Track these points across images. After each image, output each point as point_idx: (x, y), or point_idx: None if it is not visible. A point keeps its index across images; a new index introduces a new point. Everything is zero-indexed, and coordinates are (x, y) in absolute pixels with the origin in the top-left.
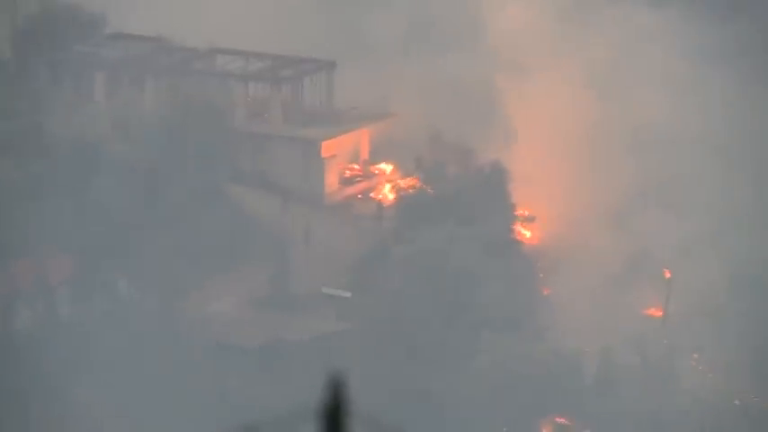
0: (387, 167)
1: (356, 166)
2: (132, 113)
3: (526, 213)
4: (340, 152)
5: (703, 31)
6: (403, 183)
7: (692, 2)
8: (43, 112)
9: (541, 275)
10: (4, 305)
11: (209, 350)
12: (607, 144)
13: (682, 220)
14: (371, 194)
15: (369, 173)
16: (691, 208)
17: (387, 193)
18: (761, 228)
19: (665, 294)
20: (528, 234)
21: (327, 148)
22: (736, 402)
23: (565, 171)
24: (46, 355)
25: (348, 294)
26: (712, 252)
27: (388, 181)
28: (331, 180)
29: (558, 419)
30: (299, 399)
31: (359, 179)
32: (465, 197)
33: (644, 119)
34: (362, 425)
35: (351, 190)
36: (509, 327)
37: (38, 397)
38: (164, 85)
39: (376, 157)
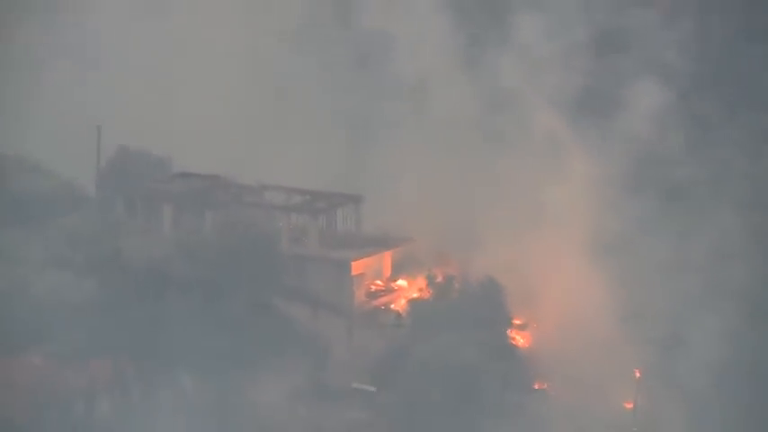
0: (404, 283)
1: (380, 282)
2: (194, 239)
3: (519, 322)
4: (366, 271)
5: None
6: (418, 296)
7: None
8: (121, 238)
9: (533, 372)
10: (87, 397)
11: None
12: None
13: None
14: (392, 305)
15: (390, 288)
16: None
17: (404, 305)
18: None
19: (636, 390)
20: (521, 340)
21: (356, 267)
22: None
23: (556, 286)
24: (129, 423)
25: (373, 389)
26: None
27: (406, 295)
28: (359, 294)
29: None
30: None
31: (382, 293)
32: (469, 308)
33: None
34: None
35: (375, 302)
36: (506, 416)
37: None
38: (220, 215)
39: (396, 274)
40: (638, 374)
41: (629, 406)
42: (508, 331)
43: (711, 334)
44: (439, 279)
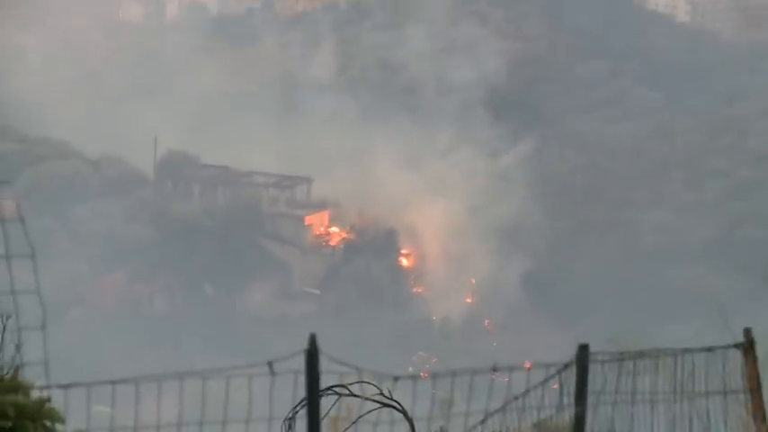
0: (336, 229)
1: (322, 229)
2: (212, 205)
3: (406, 251)
4: (313, 222)
5: None
6: (345, 237)
7: None
8: (169, 204)
9: (413, 281)
10: (149, 298)
11: (249, 319)
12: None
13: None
14: (330, 243)
15: (328, 232)
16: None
17: (337, 243)
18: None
19: (474, 289)
20: (406, 262)
21: (308, 220)
22: (508, 344)
23: (431, 230)
24: (174, 321)
25: (318, 292)
26: (503, 268)
27: (338, 236)
28: (310, 237)
29: (419, 352)
30: (293, 346)
31: (323, 236)
32: (376, 245)
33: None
34: (326, 360)
35: (319, 241)
36: (397, 307)
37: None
38: (227, 190)
39: (331, 224)
40: (473, 281)
41: (469, 300)
42: (399, 257)
43: (523, 254)
44: (357, 227)
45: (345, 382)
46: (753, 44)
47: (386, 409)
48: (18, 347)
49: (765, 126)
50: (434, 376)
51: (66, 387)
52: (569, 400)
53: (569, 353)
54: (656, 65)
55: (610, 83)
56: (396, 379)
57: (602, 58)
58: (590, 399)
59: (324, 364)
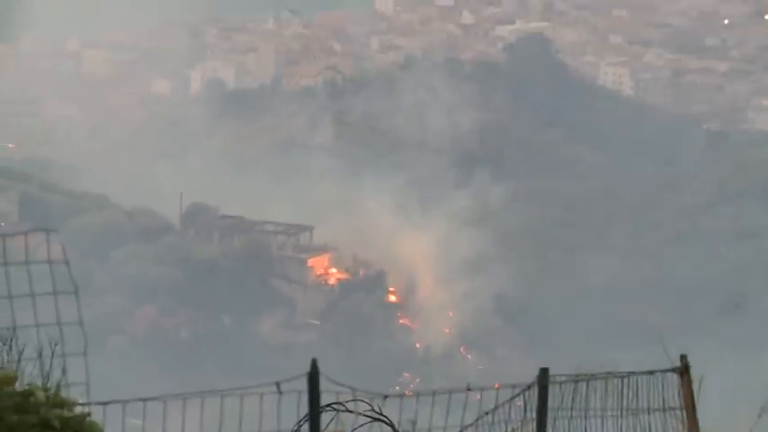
0: (335, 270)
1: (322, 270)
2: (228, 249)
3: (393, 289)
4: (315, 264)
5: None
6: (342, 277)
7: None
8: (192, 249)
9: (399, 314)
10: (175, 330)
11: (260, 346)
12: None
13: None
14: (329, 281)
15: (327, 272)
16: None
17: (335, 282)
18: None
19: (451, 321)
20: (393, 298)
21: (310, 262)
22: (480, 367)
23: (414, 272)
24: (197, 347)
25: (318, 323)
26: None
27: (335, 276)
28: (312, 276)
29: (405, 374)
30: (297, 369)
31: (323, 275)
32: (368, 283)
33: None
34: (325, 381)
35: (319, 280)
36: (386, 336)
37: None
38: (242, 237)
39: (330, 265)
40: (450, 314)
41: (447, 331)
42: (387, 294)
43: (494, 290)
44: (352, 269)
45: (342, 400)
46: (686, 115)
47: (376, 424)
48: (63, 370)
49: (696, 186)
50: (417, 395)
51: (104, 404)
52: (532, 415)
53: (532, 375)
54: (605, 133)
55: (565, 148)
56: (385, 397)
57: (559, 127)
58: (549, 414)
59: (323, 384)
